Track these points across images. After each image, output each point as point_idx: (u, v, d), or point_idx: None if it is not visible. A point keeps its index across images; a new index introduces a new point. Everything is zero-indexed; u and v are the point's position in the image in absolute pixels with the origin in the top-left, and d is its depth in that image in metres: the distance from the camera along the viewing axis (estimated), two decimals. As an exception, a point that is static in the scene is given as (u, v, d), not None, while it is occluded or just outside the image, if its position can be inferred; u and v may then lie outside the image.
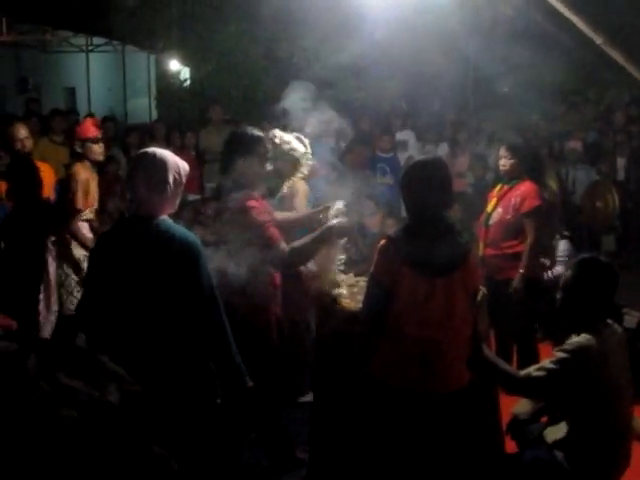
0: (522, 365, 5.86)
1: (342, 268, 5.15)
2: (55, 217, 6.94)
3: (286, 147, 5.93)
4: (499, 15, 11.79)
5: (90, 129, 6.96)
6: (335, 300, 4.86)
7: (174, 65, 15.25)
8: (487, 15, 11.74)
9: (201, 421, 4.09)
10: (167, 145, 10.83)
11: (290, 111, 6.00)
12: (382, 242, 4.12)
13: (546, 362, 3.96)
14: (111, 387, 1.19)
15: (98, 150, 7.01)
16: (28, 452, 1.08)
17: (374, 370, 4.14)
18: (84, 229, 6.92)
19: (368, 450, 4.28)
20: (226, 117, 12.01)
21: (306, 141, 6.11)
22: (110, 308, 3.96)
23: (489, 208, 6.95)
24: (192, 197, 10.45)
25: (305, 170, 6.10)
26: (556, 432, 4.10)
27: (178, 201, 4.13)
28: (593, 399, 3.88)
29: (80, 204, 6.85)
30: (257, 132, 4.95)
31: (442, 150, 11.58)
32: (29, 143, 7.18)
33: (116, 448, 1.14)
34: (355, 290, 5.00)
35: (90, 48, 23.61)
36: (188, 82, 15.13)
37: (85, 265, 6.84)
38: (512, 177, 6.87)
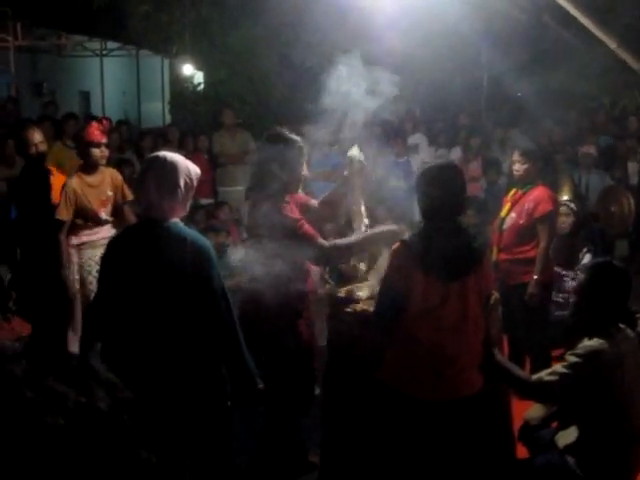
0: (535, 370, 5.84)
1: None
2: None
3: None
4: (512, 20, 11.79)
5: (93, 133, 6.92)
6: (347, 304, 4.86)
7: (188, 69, 15.30)
8: (500, 20, 11.73)
9: (212, 423, 4.09)
10: (180, 149, 10.86)
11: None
12: (396, 246, 4.11)
13: (558, 366, 3.94)
14: (100, 393, 1.18)
15: (99, 154, 6.90)
16: (11, 460, 1.07)
17: (385, 376, 4.13)
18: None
19: (380, 455, 4.28)
20: (239, 121, 12.02)
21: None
22: (122, 311, 3.97)
23: (503, 213, 6.94)
24: (204, 201, 10.46)
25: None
26: (567, 437, 4.09)
27: (189, 205, 4.14)
28: (605, 404, 3.86)
29: (64, 216, 6.71)
30: (292, 134, 4.94)
31: (455, 155, 11.57)
32: (43, 147, 7.18)
33: (103, 455, 1.13)
34: (368, 294, 4.99)
35: (104, 52, 23.69)
36: (202, 86, 15.18)
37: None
38: (526, 182, 6.86)
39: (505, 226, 6.85)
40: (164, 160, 4.00)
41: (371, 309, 4.50)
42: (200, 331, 3.94)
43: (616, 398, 3.86)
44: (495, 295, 4.73)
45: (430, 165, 4.35)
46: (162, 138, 11.88)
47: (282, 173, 4.74)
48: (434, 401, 4.01)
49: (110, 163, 7.47)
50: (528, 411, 4.60)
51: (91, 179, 6.92)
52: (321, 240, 4.69)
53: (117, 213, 7.15)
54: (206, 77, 14.92)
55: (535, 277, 6.63)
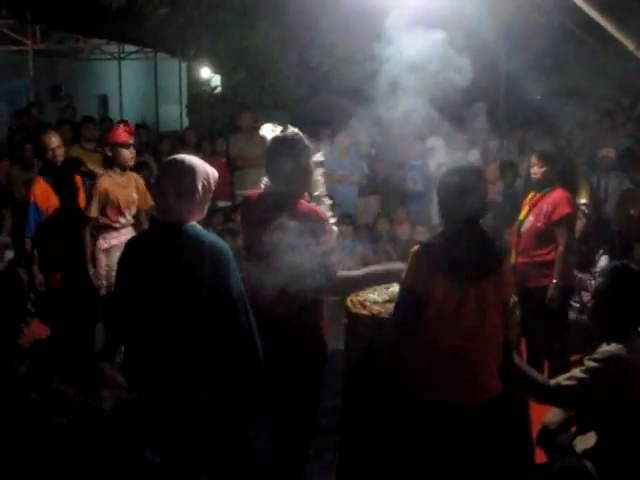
0: (553, 374, 5.81)
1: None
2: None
3: None
4: (531, 22, 11.74)
5: (122, 134, 7.03)
6: (365, 307, 4.84)
7: (205, 72, 15.35)
8: (519, 23, 11.68)
9: (228, 427, 4.09)
10: (197, 152, 10.87)
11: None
12: (415, 249, 4.09)
13: (576, 371, 3.92)
14: (106, 394, 1.19)
15: (128, 155, 7.07)
16: (17, 460, 1.07)
17: (404, 380, 4.11)
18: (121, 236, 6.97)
19: (398, 458, 4.26)
20: (256, 124, 12.02)
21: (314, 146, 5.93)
22: (138, 314, 3.97)
23: (521, 216, 6.92)
24: (222, 204, 10.48)
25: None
26: (586, 442, 4.07)
27: (207, 208, 4.14)
28: (623, 409, 3.84)
29: (92, 213, 6.91)
30: (299, 137, 4.83)
31: (472, 157, 11.52)
32: (61, 152, 7.24)
33: (107, 454, 1.13)
34: (386, 297, 4.97)
35: (122, 56, 23.82)
36: (219, 89, 15.20)
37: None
38: (544, 185, 6.83)
39: (523, 229, 6.83)
40: (182, 163, 3.99)
41: (389, 312, 4.49)
42: (217, 335, 3.93)
43: (634, 403, 3.84)
44: (513, 299, 4.71)
45: (451, 167, 4.32)
46: (180, 141, 11.90)
47: (295, 176, 4.64)
48: (452, 404, 3.99)
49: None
50: (547, 415, 4.57)
51: (120, 180, 7.06)
52: (338, 269, 4.45)
53: (136, 217, 7.28)
54: (223, 80, 14.92)
55: (554, 281, 6.60)
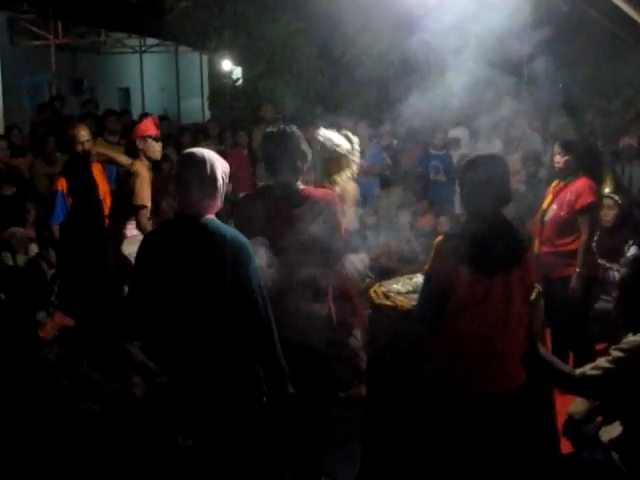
0: (578, 364, 5.79)
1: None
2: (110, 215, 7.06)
3: (328, 144, 5.85)
4: (554, 10, 11.65)
5: (151, 127, 7.04)
6: (389, 298, 4.84)
7: (226, 65, 15.33)
8: (542, 11, 11.60)
9: (249, 418, 4.08)
10: (220, 144, 10.89)
11: None
12: (438, 239, 4.09)
13: (602, 361, 3.89)
14: (136, 379, 1.19)
15: (158, 148, 7.09)
16: (47, 445, 1.08)
17: (429, 369, 4.11)
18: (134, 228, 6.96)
19: (422, 448, 4.26)
20: (278, 116, 12.02)
21: (355, 139, 6.04)
22: (158, 308, 3.96)
23: (545, 205, 6.88)
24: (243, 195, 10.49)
25: (354, 168, 6.00)
26: (611, 432, 4.04)
27: (222, 201, 4.12)
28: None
29: (147, 200, 6.84)
30: (293, 129, 4.91)
31: (495, 147, 11.48)
32: (89, 145, 7.27)
33: (139, 440, 1.14)
34: (410, 288, 4.97)
35: (143, 49, 23.90)
36: (240, 81, 15.20)
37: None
38: (567, 174, 6.79)
39: (547, 218, 6.79)
40: (202, 156, 3.99)
41: (412, 303, 4.49)
42: (237, 328, 3.93)
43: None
44: (537, 288, 4.69)
45: (474, 157, 4.30)
46: (202, 134, 11.93)
47: (291, 168, 4.69)
48: (478, 393, 3.99)
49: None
50: (572, 405, 4.55)
51: (149, 172, 7.11)
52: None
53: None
54: (245, 72, 14.91)
55: (578, 270, 6.56)
